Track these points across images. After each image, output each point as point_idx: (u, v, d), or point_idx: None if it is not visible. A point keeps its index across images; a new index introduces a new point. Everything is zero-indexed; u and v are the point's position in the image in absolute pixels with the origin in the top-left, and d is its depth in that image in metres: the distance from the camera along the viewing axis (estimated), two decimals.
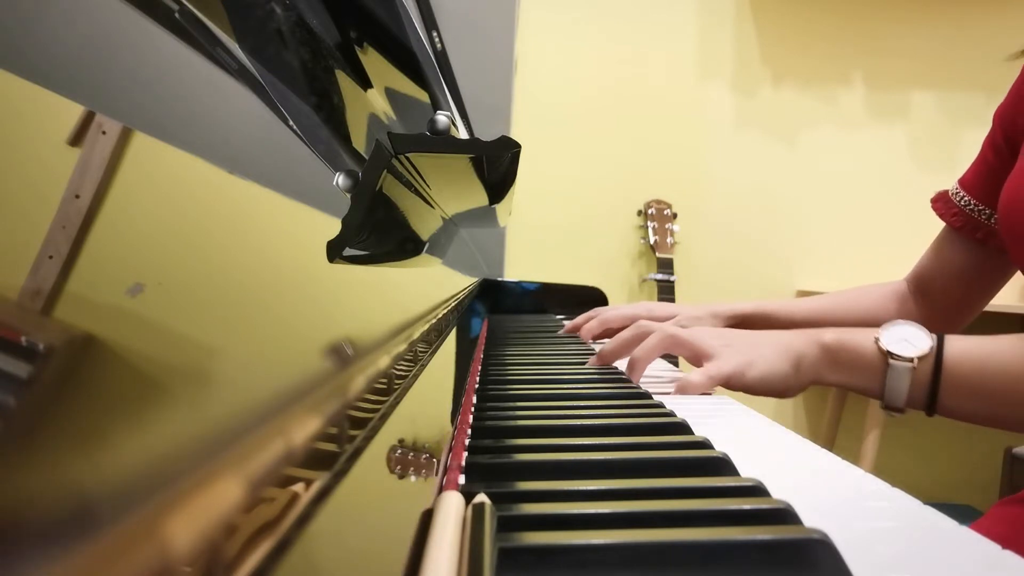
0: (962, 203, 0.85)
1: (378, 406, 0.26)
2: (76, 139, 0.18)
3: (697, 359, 0.67)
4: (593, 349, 0.85)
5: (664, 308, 0.94)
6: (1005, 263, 0.85)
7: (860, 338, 0.63)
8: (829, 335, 0.64)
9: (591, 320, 0.93)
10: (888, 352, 0.61)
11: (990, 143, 0.82)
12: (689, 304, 0.97)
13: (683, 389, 0.63)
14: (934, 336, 0.61)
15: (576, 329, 0.95)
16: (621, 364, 0.73)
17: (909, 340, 0.61)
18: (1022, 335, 0.60)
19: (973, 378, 0.59)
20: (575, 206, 2.03)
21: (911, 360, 0.60)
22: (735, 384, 0.64)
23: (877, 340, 0.62)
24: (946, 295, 0.89)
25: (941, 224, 0.89)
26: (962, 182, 0.86)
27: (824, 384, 0.65)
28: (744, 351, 0.64)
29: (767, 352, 0.64)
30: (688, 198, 2.04)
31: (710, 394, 0.65)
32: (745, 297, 2.04)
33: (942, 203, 0.88)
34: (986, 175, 0.82)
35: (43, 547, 0.07)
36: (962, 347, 0.60)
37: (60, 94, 0.19)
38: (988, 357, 0.59)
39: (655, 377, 0.73)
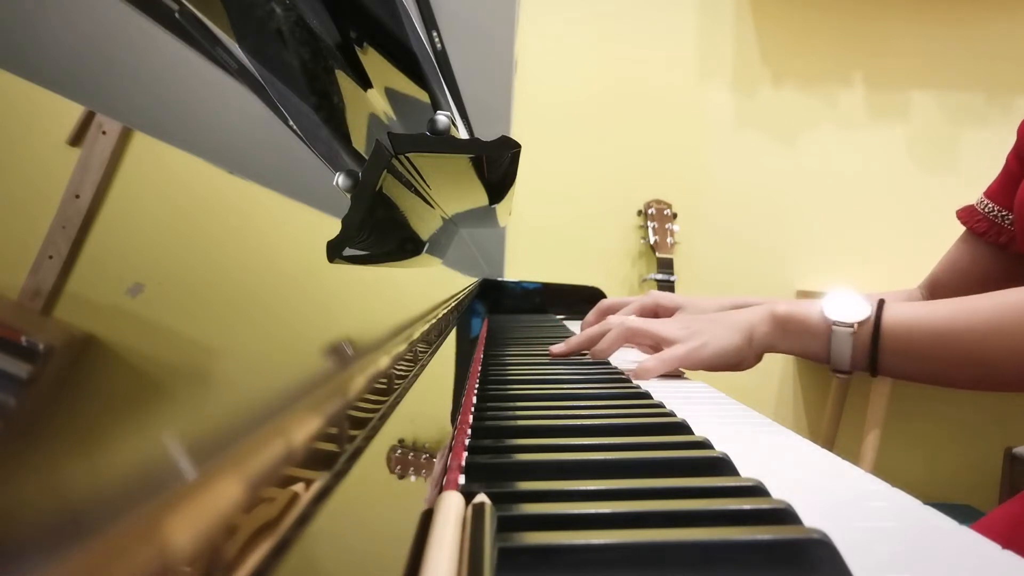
0: (986, 210, 0.89)
1: (378, 406, 0.26)
2: (76, 139, 0.18)
3: (658, 346, 0.71)
4: None
5: (672, 299, 0.94)
6: (1023, 271, 0.86)
7: (808, 308, 0.68)
8: (781, 306, 0.70)
9: (603, 326, 0.91)
10: (830, 319, 0.66)
11: (1015, 155, 0.87)
12: (696, 296, 0.96)
13: (639, 375, 0.67)
14: (874, 303, 0.66)
15: (593, 341, 0.89)
16: (614, 359, 0.73)
17: (850, 307, 0.66)
18: (957, 299, 0.64)
19: (907, 341, 0.64)
20: (575, 206, 2.03)
21: (851, 326, 0.65)
22: (692, 363, 0.69)
23: (822, 309, 0.67)
24: None
25: (943, 223, 0.90)
26: (988, 193, 0.90)
27: (777, 352, 0.70)
28: (701, 333, 0.70)
29: (720, 330, 0.69)
30: (688, 198, 2.04)
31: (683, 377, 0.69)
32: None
33: (967, 213, 0.92)
34: (1009, 185, 0.87)
35: (43, 547, 0.07)
36: (898, 313, 0.65)
37: (60, 94, 0.19)
38: (920, 321, 0.64)
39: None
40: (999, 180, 0.90)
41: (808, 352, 0.68)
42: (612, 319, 0.75)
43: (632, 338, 0.73)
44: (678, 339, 0.70)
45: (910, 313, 0.65)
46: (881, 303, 0.66)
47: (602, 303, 0.95)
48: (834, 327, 0.66)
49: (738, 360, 0.70)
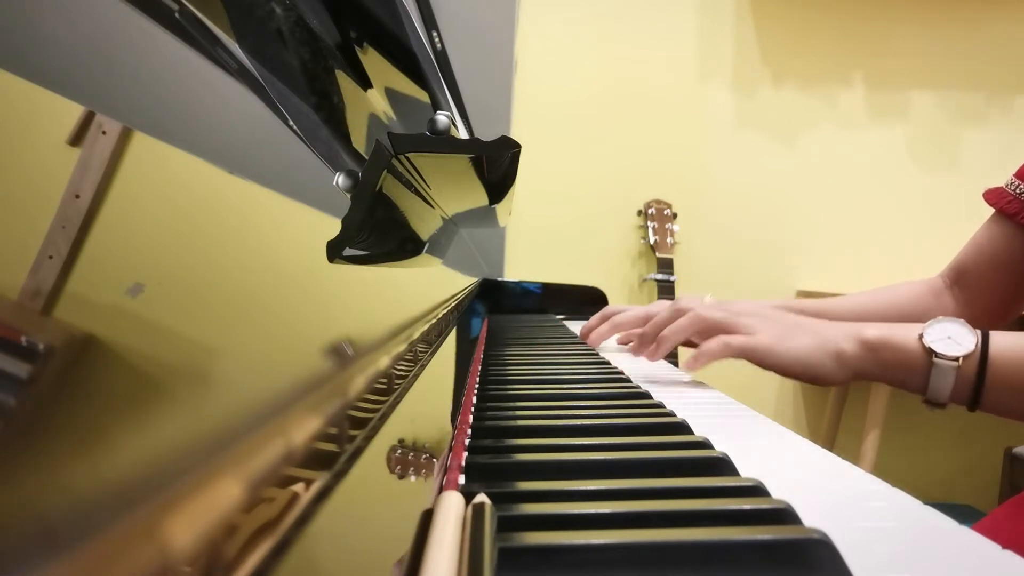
0: (1017, 191, 0.85)
1: (378, 406, 0.26)
2: (76, 139, 0.18)
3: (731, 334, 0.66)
4: (594, 350, 0.85)
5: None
6: None
7: (903, 335, 0.62)
8: (871, 331, 0.64)
9: (602, 324, 0.90)
10: (932, 351, 0.60)
11: None
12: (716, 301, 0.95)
13: (698, 357, 0.64)
14: (978, 333, 0.60)
15: (588, 332, 0.91)
16: (614, 359, 0.73)
17: (953, 338, 0.60)
18: None
19: (1018, 376, 0.59)
20: (575, 206, 2.03)
21: (956, 359, 0.59)
22: (763, 358, 0.64)
23: (921, 338, 0.61)
24: (987, 288, 0.88)
25: (943, 223, 0.89)
26: (1019, 174, 0.86)
27: (866, 379, 0.65)
28: (779, 329, 0.65)
29: (804, 337, 0.64)
30: (688, 198, 2.04)
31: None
32: (745, 297, 2.04)
33: (995, 195, 0.88)
34: None
35: (43, 547, 0.07)
36: (1006, 344, 0.60)
37: (60, 94, 0.19)
38: None
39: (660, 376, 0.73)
40: None
41: (902, 383, 0.63)
42: (684, 304, 0.71)
43: (704, 329, 0.68)
44: (750, 330, 0.65)
45: (1021, 346, 0.59)
46: (986, 334, 0.61)
47: (607, 309, 0.93)
48: (936, 360, 0.60)
49: (825, 377, 0.64)
